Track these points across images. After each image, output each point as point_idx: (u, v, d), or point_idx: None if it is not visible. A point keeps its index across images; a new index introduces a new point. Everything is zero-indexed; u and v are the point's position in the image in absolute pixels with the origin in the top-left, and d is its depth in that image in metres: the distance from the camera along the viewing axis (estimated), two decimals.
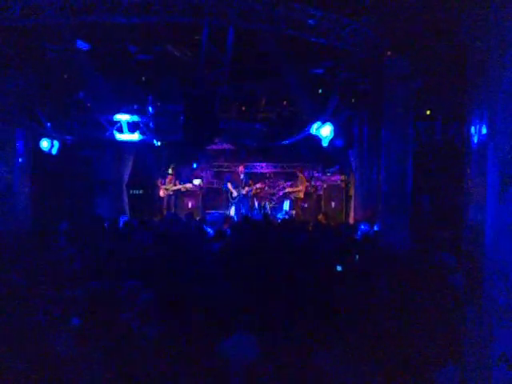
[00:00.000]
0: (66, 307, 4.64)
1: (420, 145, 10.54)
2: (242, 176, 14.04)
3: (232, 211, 14.02)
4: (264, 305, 4.72)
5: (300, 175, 14.75)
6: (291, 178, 15.44)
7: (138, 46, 9.04)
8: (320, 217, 12.80)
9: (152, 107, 11.13)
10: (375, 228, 9.68)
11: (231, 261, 6.67)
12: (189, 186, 14.94)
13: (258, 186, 14.14)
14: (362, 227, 10.15)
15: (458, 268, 5.54)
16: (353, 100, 10.59)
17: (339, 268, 6.52)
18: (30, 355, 3.59)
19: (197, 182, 14.91)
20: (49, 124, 11.06)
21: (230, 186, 13.94)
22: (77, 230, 9.08)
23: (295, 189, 14.66)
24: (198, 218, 11.12)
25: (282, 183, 15.82)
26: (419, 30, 7.27)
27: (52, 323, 4.23)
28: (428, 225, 10.16)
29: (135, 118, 11.29)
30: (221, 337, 4.20)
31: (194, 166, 16.58)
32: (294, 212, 14.68)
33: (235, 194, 13.86)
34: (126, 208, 14.39)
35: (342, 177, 14.57)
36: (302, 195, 14.62)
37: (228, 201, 14.54)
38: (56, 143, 11.81)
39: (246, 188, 13.75)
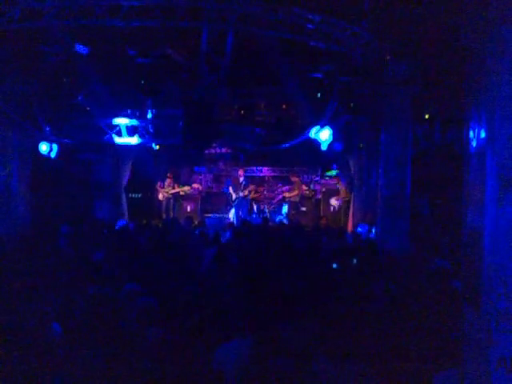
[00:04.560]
0: (64, 311, 4.63)
1: (419, 149, 10.55)
2: (241, 179, 14.07)
3: (231, 214, 14.04)
4: (261, 309, 4.71)
5: (295, 180, 14.76)
6: (289, 182, 15.45)
7: (137, 50, 9.05)
8: (322, 221, 12.82)
9: (151, 111, 11.14)
10: (373, 232, 9.69)
11: (229, 265, 6.66)
12: (187, 188, 14.94)
13: (252, 187, 14.11)
14: (360, 229, 10.17)
15: (456, 273, 5.54)
16: (352, 104, 10.61)
17: (335, 266, 6.52)
18: (23, 360, 3.58)
19: (186, 188, 14.89)
20: (48, 127, 11.05)
21: (231, 189, 13.98)
22: (78, 233, 9.07)
23: (292, 193, 14.68)
24: (196, 222, 11.12)
25: (279, 187, 15.82)
26: (418, 34, 7.30)
27: (48, 327, 4.21)
28: (427, 229, 10.17)
29: (134, 122, 11.29)
30: (218, 342, 4.19)
31: (193, 169, 16.60)
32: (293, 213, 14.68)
33: (234, 196, 13.91)
34: (125, 212, 14.38)
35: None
36: (297, 199, 14.65)
37: (227, 204, 14.57)
38: (55, 147, 11.81)
39: (246, 191, 13.78)
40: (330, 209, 14.39)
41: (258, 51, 8.69)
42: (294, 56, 8.84)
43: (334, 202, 14.26)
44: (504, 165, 2.87)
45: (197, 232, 9.36)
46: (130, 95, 10.90)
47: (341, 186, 14.46)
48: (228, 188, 14.21)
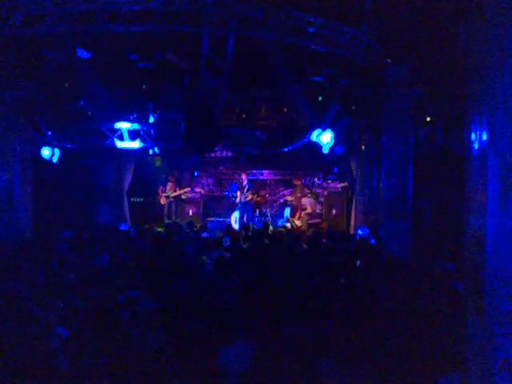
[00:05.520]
0: (63, 316, 4.63)
1: (420, 151, 10.54)
2: (245, 183, 14.07)
3: (233, 218, 14.03)
4: (264, 312, 4.71)
5: (297, 183, 14.74)
6: (291, 185, 15.44)
7: (138, 55, 9.06)
8: (323, 225, 12.81)
9: (152, 115, 11.16)
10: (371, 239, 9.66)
11: (232, 269, 6.65)
12: (187, 189, 15.02)
13: (253, 194, 14.10)
14: (360, 232, 10.15)
15: (459, 275, 5.53)
16: (353, 107, 10.62)
17: (342, 280, 6.47)
18: (25, 366, 3.57)
19: (187, 189, 15.00)
20: (49, 132, 11.08)
21: (239, 193, 14.00)
22: (80, 238, 9.08)
23: (294, 197, 14.66)
24: (198, 226, 11.12)
25: (282, 190, 15.82)
26: (419, 37, 7.30)
27: (48, 333, 4.20)
28: (428, 231, 10.15)
29: (136, 126, 11.31)
30: (221, 345, 4.18)
31: (195, 173, 16.62)
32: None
33: (238, 200, 13.94)
34: (127, 216, 14.39)
35: (343, 184, 14.56)
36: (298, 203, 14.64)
37: (229, 208, 14.59)
38: (57, 151, 11.82)
39: (249, 195, 13.77)
40: (332, 212, 14.35)
41: (258, 55, 8.69)
42: (294, 60, 8.84)
43: (308, 208, 14.29)
44: (506, 167, 2.87)
45: (194, 236, 9.38)
46: (132, 99, 10.92)
47: (304, 202, 14.41)
48: (236, 192, 14.24)
